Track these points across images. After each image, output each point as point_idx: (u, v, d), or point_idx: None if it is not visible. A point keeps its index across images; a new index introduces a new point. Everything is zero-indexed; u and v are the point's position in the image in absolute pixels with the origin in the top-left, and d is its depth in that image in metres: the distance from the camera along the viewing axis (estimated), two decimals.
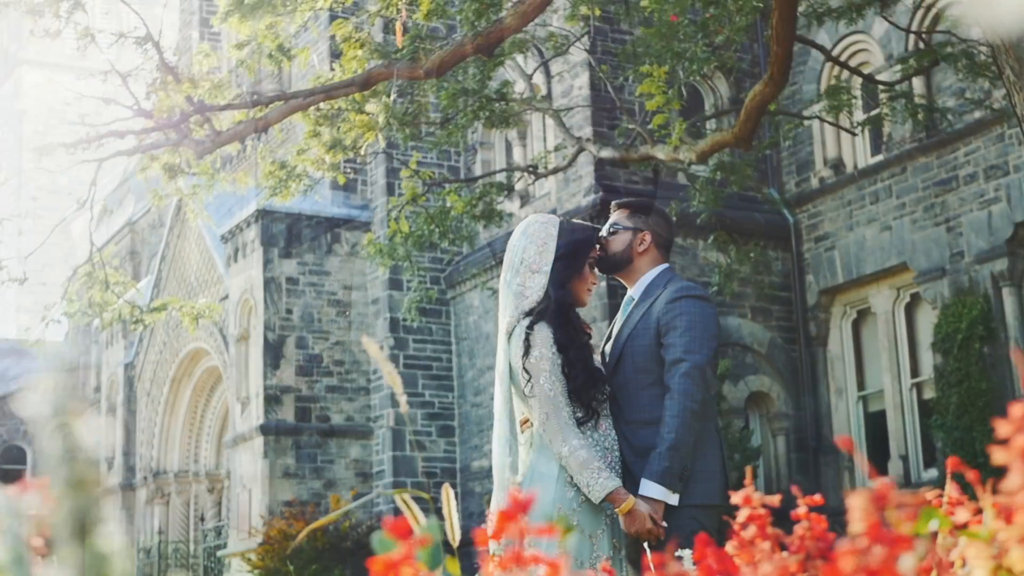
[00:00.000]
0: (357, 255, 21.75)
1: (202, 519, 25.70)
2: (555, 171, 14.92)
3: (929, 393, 17.89)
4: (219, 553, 22.96)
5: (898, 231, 18.36)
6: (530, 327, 4.10)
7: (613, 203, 4.56)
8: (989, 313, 16.79)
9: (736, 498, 1.18)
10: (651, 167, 16.06)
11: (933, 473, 17.61)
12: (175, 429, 26.52)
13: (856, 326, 19.56)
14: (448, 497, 1.88)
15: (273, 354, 21.26)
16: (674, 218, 14.57)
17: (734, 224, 18.76)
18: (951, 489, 1.32)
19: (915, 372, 18.46)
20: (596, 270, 4.35)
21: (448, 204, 14.37)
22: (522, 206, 20.39)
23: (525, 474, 4.09)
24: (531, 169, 15.37)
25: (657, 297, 4.26)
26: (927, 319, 18.13)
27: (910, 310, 18.73)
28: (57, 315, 14.13)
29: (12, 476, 38.97)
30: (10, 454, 39.34)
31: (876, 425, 18.95)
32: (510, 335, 4.15)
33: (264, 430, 20.96)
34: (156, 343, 26.82)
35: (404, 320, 20.25)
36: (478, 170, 21.20)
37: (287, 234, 21.74)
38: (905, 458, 18.30)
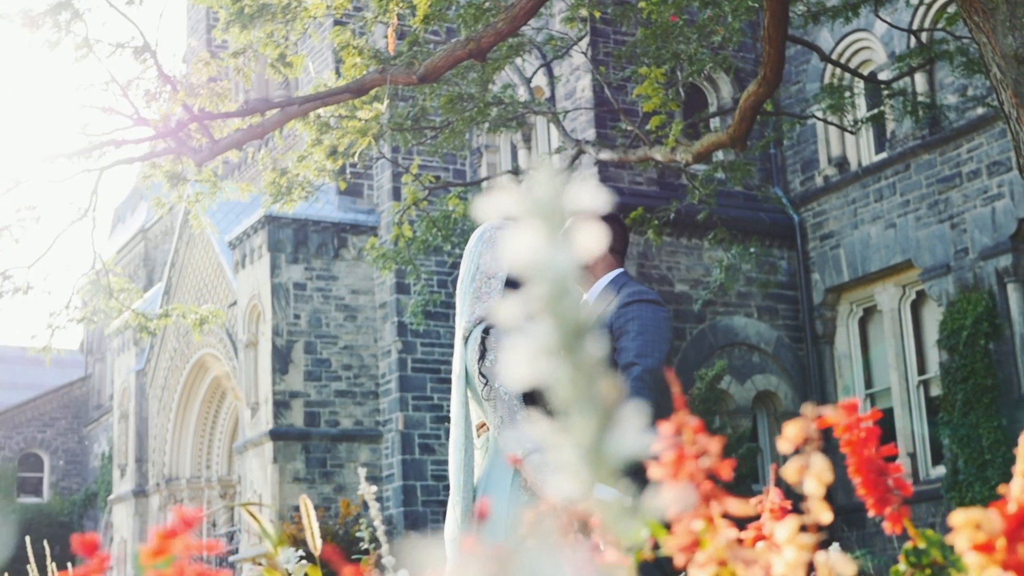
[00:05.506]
0: (364, 260, 21.80)
1: (214, 524, 25.79)
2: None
3: (936, 390, 17.85)
4: (231, 559, 23.05)
5: (903, 229, 18.32)
6: (486, 331, 4.13)
7: None
8: (994, 309, 16.75)
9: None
10: (651, 167, 16.05)
11: (941, 471, 17.56)
12: (187, 435, 26.63)
13: (863, 324, 19.52)
14: (306, 508, 1.90)
15: (281, 359, 21.33)
16: (672, 216, 14.65)
17: (739, 223, 18.75)
18: (775, 496, 1.33)
19: (922, 369, 18.42)
20: None
21: (450, 208, 14.39)
22: None
23: (480, 478, 4.12)
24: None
25: (610, 302, 4.28)
26: (933, 316, 18.09)
27: (916, 307, 18.69)
28: (63, 322, 14.17)
29: (30, 484, 39.18)
30: (27, 462, 39.53)
31: (884, 423, 18.91)
32: (466, 339, 4.18)
33: (273, 435, 21.03)
34: (167, 350, 26.92)
35: (411, 324, 20.29)
36: (484, 173, 21.23)
37: (294, 239, 21.82)
38: (913, 456, 18.25)
